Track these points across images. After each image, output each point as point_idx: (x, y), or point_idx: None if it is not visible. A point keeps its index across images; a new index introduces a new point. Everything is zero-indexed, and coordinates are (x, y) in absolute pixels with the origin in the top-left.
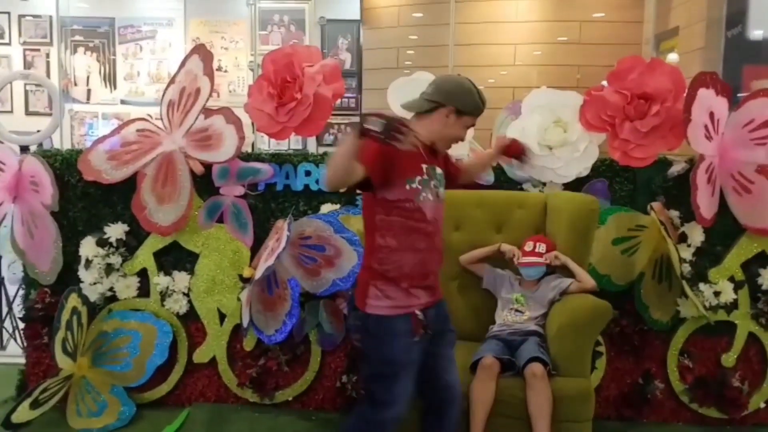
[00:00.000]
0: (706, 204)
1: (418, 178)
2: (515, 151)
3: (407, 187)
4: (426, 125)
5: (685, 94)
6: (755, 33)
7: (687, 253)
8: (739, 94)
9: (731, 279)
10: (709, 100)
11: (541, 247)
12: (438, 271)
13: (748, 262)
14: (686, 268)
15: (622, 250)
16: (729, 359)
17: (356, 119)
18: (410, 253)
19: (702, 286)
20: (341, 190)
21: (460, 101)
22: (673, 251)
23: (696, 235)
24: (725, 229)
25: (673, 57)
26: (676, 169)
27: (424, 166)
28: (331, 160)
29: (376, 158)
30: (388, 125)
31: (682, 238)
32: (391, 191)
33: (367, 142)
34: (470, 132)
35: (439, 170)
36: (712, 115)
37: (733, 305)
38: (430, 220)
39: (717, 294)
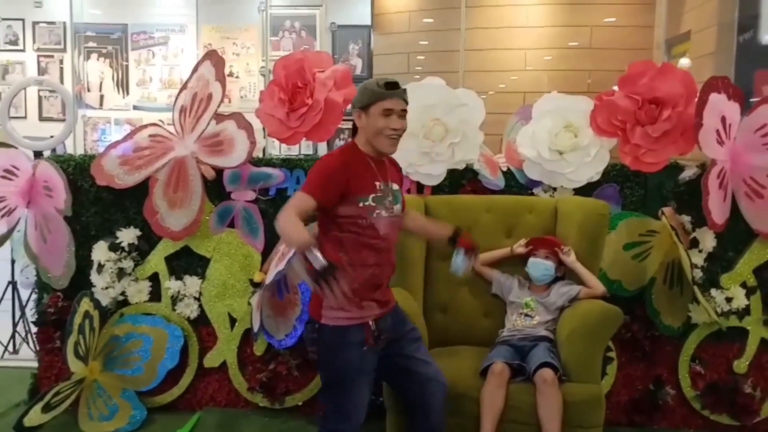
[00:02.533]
0: (717, 209)
1: (372, 195)
2: (466, 245)
3: (360, 204)
4: (360, 136)
5: (696, 99)
6: (767, 38)
7: (698, 259)
8: (751, 99)
9: (743, 285)
10: (720, 104)
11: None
12: (387, 283)
13: (761, 267)
14: (698, 274)
15: (633, 255)
16: (741, 365)
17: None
18: (362, 268)
19: (714, 291)
20: None
21: (357, 101)
22: (685, 257)
23: (708, 240)
24: (737, 235)
25: (685, 62)
26: (687, 174)
27: (378, 183)
28: (282, 229)
29: (327, 188)
30: (324, 273)
31: (694, 244)
32: (343, 207)
33: (319, 167)
34: (480, 136)
35: (395, 186)
36: (723, 119)
37: (745, 311)
38: (383, 236)
39: (729, 300)
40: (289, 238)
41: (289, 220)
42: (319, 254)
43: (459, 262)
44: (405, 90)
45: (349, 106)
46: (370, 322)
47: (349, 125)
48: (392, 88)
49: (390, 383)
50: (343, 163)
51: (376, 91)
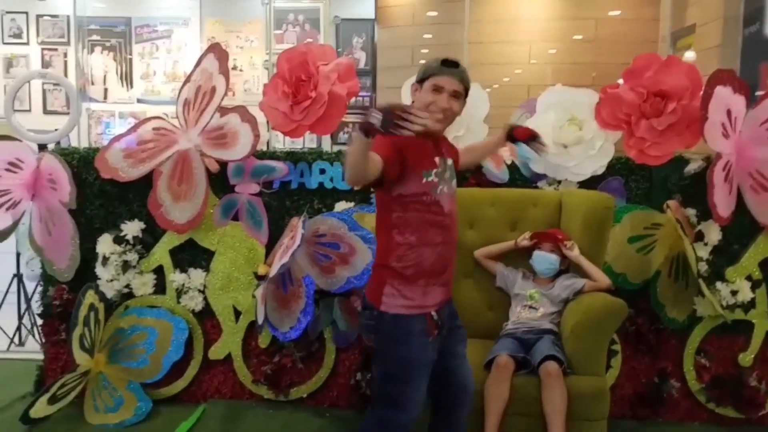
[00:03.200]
0: (723, 202)
1: (434, 170)
2: (524, 135)
3: (424, 180)
4: None
5: (701, 92)
6: None
7: (704, 252)
8: (756, 92)
9: (749, 278)
10: (726, 97)
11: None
12: (454, 263)
13: (766, 260)
14: (703, 267)
15: (638, 248)
16: (746, 359)
17: (362, 116)
18: (429, 248)
19: (719, 284)
20: (358, 188)
21: (417, 75)
22: (690, 250)
23: (713, 233)
24: (742, 228)
25: (690, 55)
26: (692, 167)
27: (437, 159)
28: (346, 160)
29: (391, 153)
30: (387, 115)
31: (699, 237)
32: (407, 186)
33: (378, 139)
34: (484, 130)
35: (449, 161)
36: (729, 112)
37: (751, 304)
38: (447, 212)
39: (734, 293)
40: (352, 145)
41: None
42: (373, 112)
43: (525, 152)
44: (464, 71)
45: (353, 99)
46: (433, 312)
47: (353, 118)
48: (450, 65)
49: None
50: (401, 137)
51: (431, 66)
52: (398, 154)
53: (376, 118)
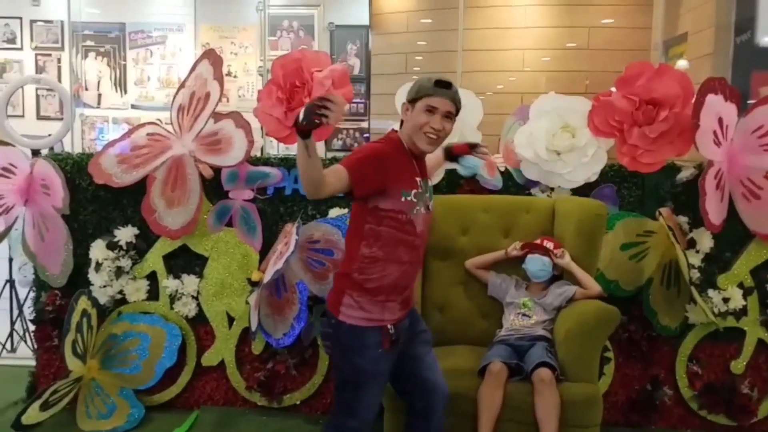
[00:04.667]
0: (714, 210)
1: (414, 191)
2: (462, 149)
3: (403, 198)
4: (403, 131)
5: (693, 100)
6: (764, 39)
7: (696, 259)
8: (748, 101)
9: (740, 285)
10: (717, 105)
11: (548, 244)
12: (414, 284)
13: (758, 268)
14: (695, 274)
15: (631, 255)
16: (738, 366)
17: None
18: (395, 265)
19: (711, 292)
20: (318, 198)
21: (409, 94)
22: (682, 257)
23: (705, 241)
24: (734, 235)
25: (682, 64)
26: (684, 174)
27: (418, 179)
28: (301, 175)
29: (365, 170)
30: (307, 109)
31: (691, 244)
32: (385, 200)
33: (358, 154)
34: (478, 137)
35: (429, 182)
36: (720, 120)
37: (743, 312)
38: (419, 233)
39: (726, 300)
40: (301, 158)
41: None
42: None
43: (469, 163)
44: (456, 91)
45: (348, 106)
46: (389, 326)
47: (347, 125)
48: (443, 87)
49: (393, 382)
50: (387, 152)
51: (425, 86)
52: (375, 174)
53: (300, 116)
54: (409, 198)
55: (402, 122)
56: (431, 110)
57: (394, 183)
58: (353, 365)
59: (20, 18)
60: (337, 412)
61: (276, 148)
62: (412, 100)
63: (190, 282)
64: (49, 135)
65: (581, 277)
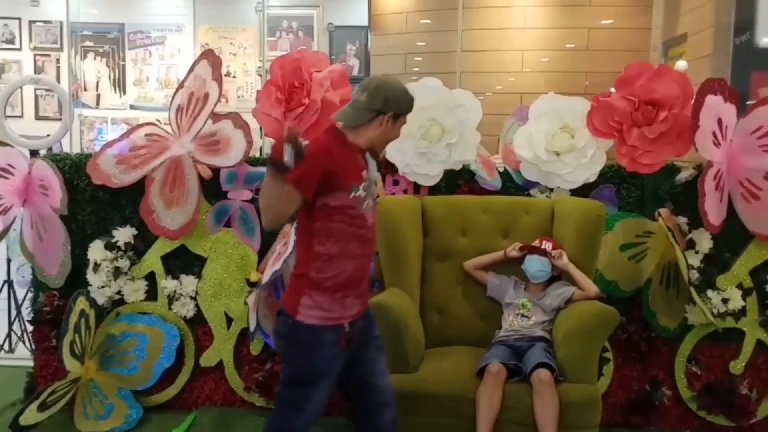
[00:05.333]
0: (714, 211)
1: (362, 184)
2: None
3: (352, 195)
4: (365, 133)
5: (693, 101)
6: (764, 40)
7: (695, 260)
8: (747, 102)
9: (739, 286)
10: (717, 106)
11: (547, 245)
12: (369, 275)
13: (757, 269)
14: (694, 275)
15: (630, 256)
16: (737, 366)
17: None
18: (350, 260)
19: (710, 292)
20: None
21: (397, 105)
22: (681, 258)
23: (704, 241)
24: (733, 236)
25: (682, 64)
26: (683, 175)
27: (364, 173)
28: (262, 204)
29: (311, 174)
30: (295, 148)
31: (690, 245)
32: (333, 198)
33: (304, 164)
34: (477, 137)
35: (374, 173)
36: (720, 121)
37: (742, 312)
38: (370, 225)
39: (725, 301)
40: (268, 190)
41: (267, 205)
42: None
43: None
44: None
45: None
46: (346, 325)
47: None
48: None
49: (340, 384)
50: (331, 147)
51: (410, 105)
52: (321, 176)
53: (288, 155)
54: (358, 193)
55: (353, 117)
56: (402, 124)
57: (343, 180)
58: (308, 364)
59: (19, 18)
60: (281, 411)
61: None
62: (398, 115)
63: (188, 282)
64: (48, 135)
65: (579, 279)
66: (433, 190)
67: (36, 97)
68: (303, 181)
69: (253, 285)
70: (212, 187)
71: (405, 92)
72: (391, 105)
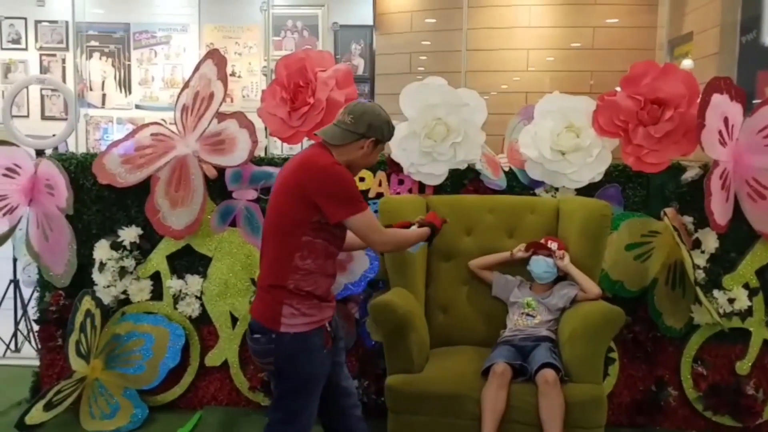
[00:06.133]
0: (720, 210)
1: None
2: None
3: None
4: (345, 154)
5: (698, 100)
6: None
7: (701, 260)
8: (753, 101)
9: (746, 286)
10: (723, 105)
11: (553, 245)
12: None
13: (763, 268)
14: (700, 275)
15: (635, 255)
16: (743, 367)
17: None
18: (324, 278)
19: (716, 292)
20: None
21: (380, 133)
22: (687, 257)
23: (710, 241)
24: (739, 236)
25: (688, 63)
26: (689, 174)
27: None
28: (400, 242)
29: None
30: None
31: (696, 245)
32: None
33: (346, 186)
34: (482, 136)
35: None
36: (726, 120)
37: (748, 312)
38: (341, 246)
39: (731, 301)
40: (417, 240)
41: (394, 235)
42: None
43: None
44: None
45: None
46: (327, 325)
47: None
48: None
49: None
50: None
51: (392, 134)
52: None
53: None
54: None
55: (337, 137)
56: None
57: None
58: (303, 373)
59: (25, 18)
60: (279, 424)
61: (280, 148)
62: (377, 142)
63: (193, 282)
64: (54, 135)
65: (580, 280)
66: (438, 189)
67: (42, 97)
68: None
69: None
70: (217, 187)
71: (389, 122)
72: (374, 131)
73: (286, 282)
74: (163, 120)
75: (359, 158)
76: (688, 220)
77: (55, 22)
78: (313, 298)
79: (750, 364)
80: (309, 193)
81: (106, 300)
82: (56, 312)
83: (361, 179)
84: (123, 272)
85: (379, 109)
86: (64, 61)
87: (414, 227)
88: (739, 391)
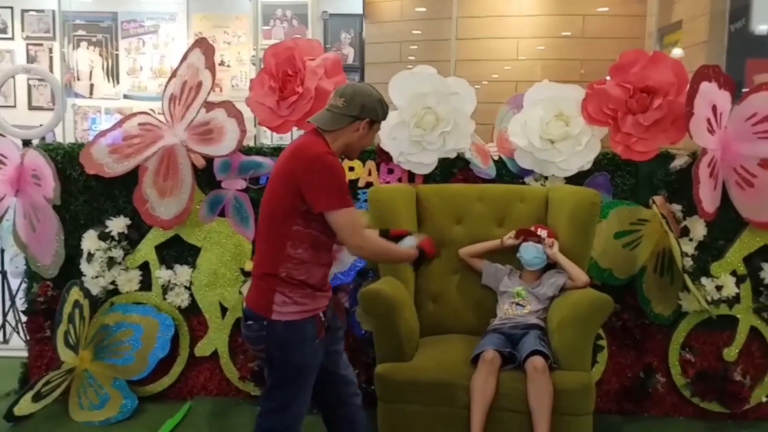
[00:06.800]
0: (708, 198)
1: None
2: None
3: None
4: (339, 138)
5: (687, 88)
6: (759, 27)
7: (689, 247)
8: (742, 89)
9: (733, 273)
10: (711, 93)
11: (543, 232)
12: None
13: (751, 256)
14: (688, 262)
15: (624, 243)
16: (731, 353)
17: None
18: (317, 267)
19: (704, 280)
20: None
21: (374, 113)
22: (675, 245)
23: (698, 229)
24: (727, 223)
25: (677, 52)
26: (678, 163)
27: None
28: (379, 254)
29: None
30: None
31: (684, 232)
32: None
33: (333, 176)
34: (471, 125)
35: None
36: (714, 108)
37: (735, 299)
38: (335, 236)
39: (719, 288)
40: (398, 259)
41: (374, 243)
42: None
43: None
44: None
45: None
46: (320, 314)
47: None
48: None
49: None
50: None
51: (386, 113)
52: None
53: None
54: None
55: (356, 138)
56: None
57: None
58: (294, 361)
59: (11, 7)
60: (271, 412)
61: (269, 138)
62: (373, 122)
63: (182, 272)
64: (41, 125)
65: (568, 269)
66: (428, 178)
67: (29, 86)
68: (349, 198)
69: (247, 274)
70: (206, 177)
71: (381, 101)
72: (368, 112)
73: (278, 270)
74: (151, 110)
75: (355, 141)
76: (676, 207)
77: (42, 11)
78: (307, 287)
79: (737, 350)
80: (298, 181)
81: (95, 291)
82: (44, 303)
83: (351, 168)
84: (111, 263)
85: (370, 88)
86: (51, 50)
87: (409, 238)
88: (726, 377)
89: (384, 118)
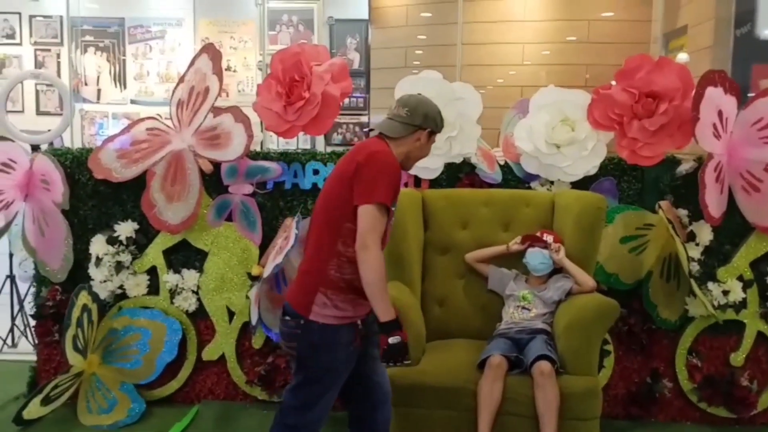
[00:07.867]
0: (714, 203)
1: (396, 203)
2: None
3: (393, 207)
4: (401, 146)
5: (693, 93)
6: (764, 32)
7: (695, 252)
8: (748, 93)
9: (740, 278)
10: (717, 98)
11: (548, 238)
12: None
13: (757, 260)
14: (695, 267)
15: (630, 248)
16: (738, 358)
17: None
18: None
19: (710, 285)
20: None
21: (434, 123)
22: (681, 250)
23: (704, 233)
24: (734, 228)
25: (683, 57)
26: (684, 167)
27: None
28: (376, 272)
29: (396, 191)
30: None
31: (691, 237)
32: None
33: (387, 171)
34: (477, 130)
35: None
36: (720, 113)
37: (742, 304)
38: (386, 240)
39: (725, 293)
40: (381, 296)
41: (381, 262)
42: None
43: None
44: None
45: (347, 100)
46: (359, 323)
47: (347, 119)
48: None
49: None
50: (398, 166)
51: (443, 125)
52: (396, 192)
53: (395, 340)
54: (394, 208)
55: (394, 130)
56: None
57: (396, 197)
58: (325, 365)
59: (19, 13)
60: (292, 412)
61: (276, 143)
62: (432, 133)
63: (190, 277)
64: (49, 130)
65: (574, 273)
66: (434, 183)
67: (37, 92)
68: (393, 199)
69: (254, 279)
70: (213, 182)
71: (440, 113)
72: (430, 122)
73: (327, 266)
74: (158, 115)
75: (416, 150)
76: (682, 212)
77: (50, 17)
78: (350, 292)
79: (744, 355)
80: (353, 174)
81: (103, 295)
82: (53, 307)
83: None
84: (119, 267)
85: (429, 100)
86: (58, 56)
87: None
88: (733, 382)
89: (441, 129)
